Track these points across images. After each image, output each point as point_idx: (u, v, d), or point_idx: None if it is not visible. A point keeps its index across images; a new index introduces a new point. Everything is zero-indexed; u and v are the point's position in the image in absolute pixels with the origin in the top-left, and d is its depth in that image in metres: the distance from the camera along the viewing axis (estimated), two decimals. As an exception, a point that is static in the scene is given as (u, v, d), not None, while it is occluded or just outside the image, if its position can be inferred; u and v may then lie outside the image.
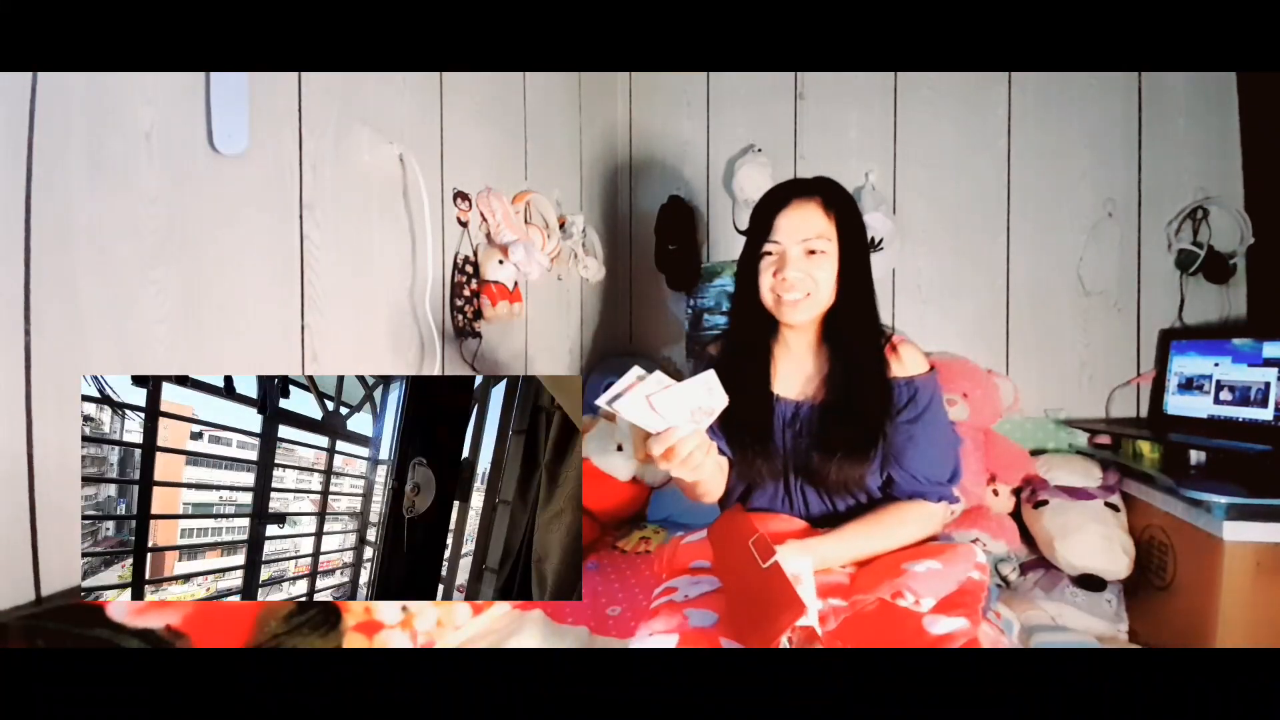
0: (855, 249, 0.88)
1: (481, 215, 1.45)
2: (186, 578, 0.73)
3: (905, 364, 0.89)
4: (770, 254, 0.89)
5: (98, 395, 0.67)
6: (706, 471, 0.77)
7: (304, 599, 0.84)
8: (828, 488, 0.89)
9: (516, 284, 1.45)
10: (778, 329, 0.94)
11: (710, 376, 0.72)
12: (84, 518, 0.67)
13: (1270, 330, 1.52)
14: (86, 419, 0.67)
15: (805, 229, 0.86)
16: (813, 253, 0.86)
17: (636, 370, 0.71)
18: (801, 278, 0.86)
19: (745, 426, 0.91)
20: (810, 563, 0.75)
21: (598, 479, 1.59)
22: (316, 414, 0.86)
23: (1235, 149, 1.71)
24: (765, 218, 0.89)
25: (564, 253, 1.77)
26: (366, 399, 0.93)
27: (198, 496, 0.74)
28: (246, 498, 0.79)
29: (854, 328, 0.89)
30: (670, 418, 0.70)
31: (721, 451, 0.93)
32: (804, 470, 0.90)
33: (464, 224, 1.41)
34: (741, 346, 0.95)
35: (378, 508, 0.92)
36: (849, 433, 0.86)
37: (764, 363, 0.94)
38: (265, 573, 0.81)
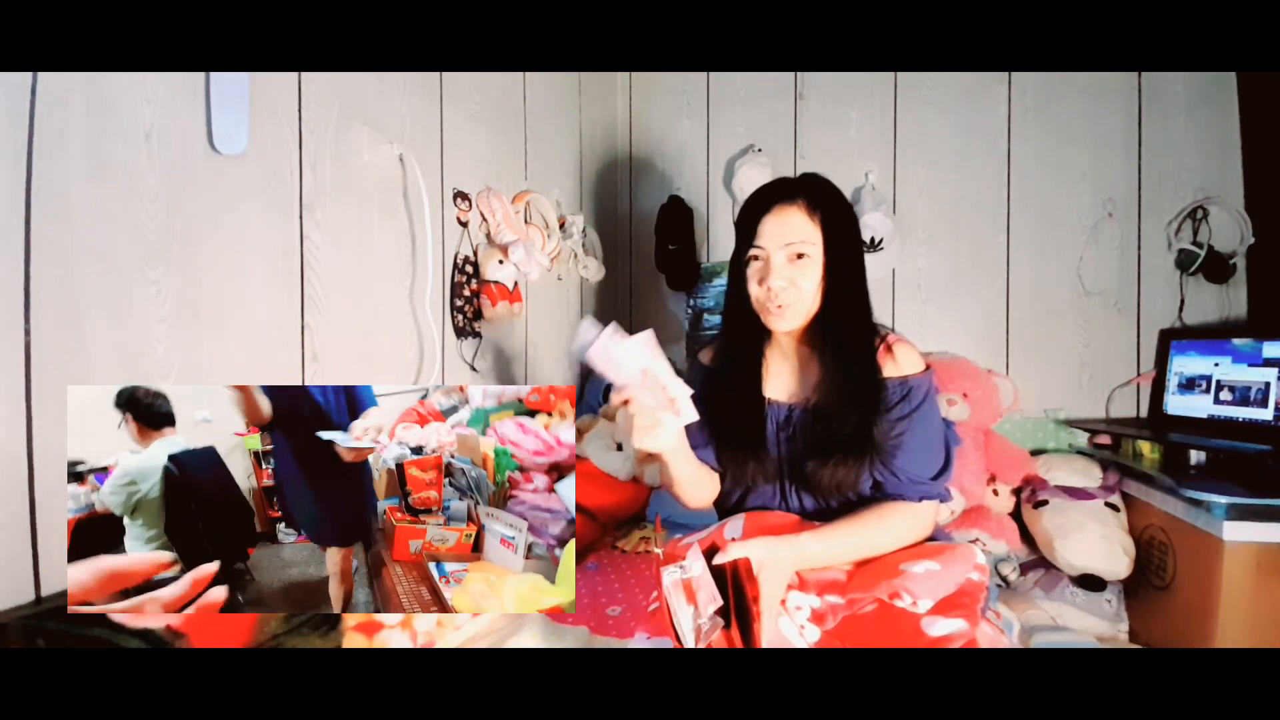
0: (844, 249, 0.86)
1: (481, 215, 1.45)
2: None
3: (900, 364, 0.87)
4: (755, 260, 0.87)
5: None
6: (657, 446, 0.80)
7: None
8: (822, 491, 0.87)
9: (516, 284, 1.45)
10: (770, 332, 0.92)
11: (648, 335, 0.78)
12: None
13: (1270, 330, 1.52)
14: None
15: (787, 234, 0.84)
16: (800, 256, 0.84)
17: (593, 326, 0.78)
18: (785, 286, 0.84)
19: (737, 431, 0.90)
20: (703, 565, 0.75)
21: (597, 479, 1.59)
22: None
23: (1235, 149, 1.71)
24: (749, 222, 0.87)
25: (564, 253, 1.77)
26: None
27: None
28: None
29: (846, 329, 0.87)
30: (625, 371, 0.77)
31: (704, 461, 0.93)
32: (798, 474, 0.89)
33: (464, 224, 1.41)
34: (734, 351, 0.94)
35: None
36: (842, 436, 0.84)
37: (755, 367, 0.93)
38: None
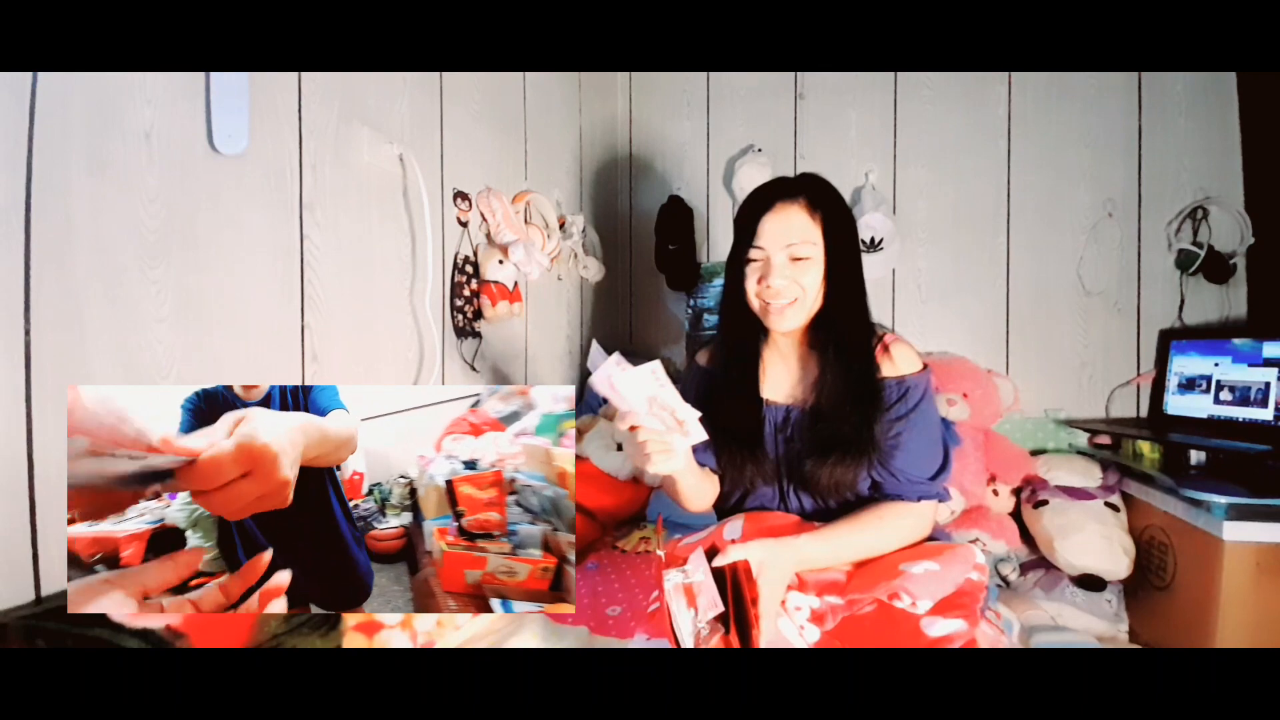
0: (843, 249, 0.86)
1: (481, 215, 1.45)
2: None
3: (897, 363, 0.88)
4: (755, 259, 0.87)
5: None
6: (669, 468, 0.78)
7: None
8: (820, 492, 0.88)
9: (516, 284, 1.45)
10: (767, 332, 0.92)
11: (656, 366, 0.76)
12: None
13: (1270, 330, 1.52)
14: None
15: (790, 233, 0.84)
16: (798, 258, 0.84)
17: (601, 354, 0.77)
18: (787, 284, 0.84)
19: (735, 433, 0.90)
20: (704, 566, 0.75)
21: (597, 479, 1.59)
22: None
23: (1235, 149, 1.71)
24: (749, 221, 0.87)
25: (564, 253, 1.77)
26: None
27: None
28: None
29: (844, 329, 0.87)
30: (631, 400, 0.75)
31: (703, 464, 0.93)
32: (796, 475, 0.89)
33: (464, 224, 1.41)
34: (731, 351, 0.94)
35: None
36: (840, 437, 0.84)
37: (752, 367, 0.93)
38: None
